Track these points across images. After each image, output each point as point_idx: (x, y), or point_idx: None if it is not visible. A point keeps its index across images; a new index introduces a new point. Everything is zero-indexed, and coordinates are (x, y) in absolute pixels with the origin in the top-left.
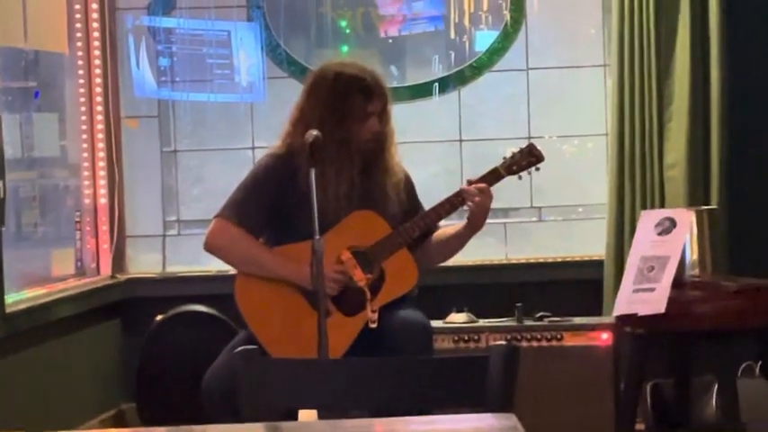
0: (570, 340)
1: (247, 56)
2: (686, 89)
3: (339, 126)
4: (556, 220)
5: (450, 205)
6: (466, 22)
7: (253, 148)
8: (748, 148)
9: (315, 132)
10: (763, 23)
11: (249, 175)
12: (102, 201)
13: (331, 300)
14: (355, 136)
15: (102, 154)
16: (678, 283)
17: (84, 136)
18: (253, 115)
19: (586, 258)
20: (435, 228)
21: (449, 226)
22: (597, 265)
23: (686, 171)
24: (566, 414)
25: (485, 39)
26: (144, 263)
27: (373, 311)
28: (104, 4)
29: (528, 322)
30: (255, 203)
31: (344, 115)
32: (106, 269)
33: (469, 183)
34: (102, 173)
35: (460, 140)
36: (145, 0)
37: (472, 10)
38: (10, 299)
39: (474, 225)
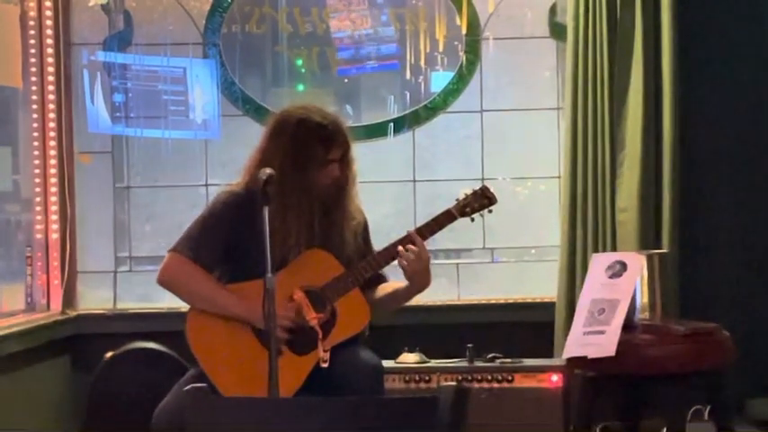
0: (521, 382)
1: (202, 93)
2: (639, 134)
3: (300, 173)
4: (508, 261)
5: (402, 245)
6: (421, 62)
7: (206, 186)
8: (699, 193)
9: (268, 170)
10: (717, 69)
11: (206, 211)
12: (54, 236)
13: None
14: (316, 182)
15: (54, 189)
16: (628, 326)
17: (37, 171)
18: (207, 152)
19: (538, 300)
20: (384, 278)
21: (396, 281)
22: (549, 307)
23: (638, 215)
24: None
25: (440, 80)
26: (95, 299)
27: (325, 351)
28: (59, 38)
29: (479, 363)
30: (211, 239)
31: (305, 162)
32: (56, 305)
33: (403, 241)
34: (54, 208)
35: (414, 181)
36: (100, 36)
37: (428, 51)
38: None
39: (412, 285)
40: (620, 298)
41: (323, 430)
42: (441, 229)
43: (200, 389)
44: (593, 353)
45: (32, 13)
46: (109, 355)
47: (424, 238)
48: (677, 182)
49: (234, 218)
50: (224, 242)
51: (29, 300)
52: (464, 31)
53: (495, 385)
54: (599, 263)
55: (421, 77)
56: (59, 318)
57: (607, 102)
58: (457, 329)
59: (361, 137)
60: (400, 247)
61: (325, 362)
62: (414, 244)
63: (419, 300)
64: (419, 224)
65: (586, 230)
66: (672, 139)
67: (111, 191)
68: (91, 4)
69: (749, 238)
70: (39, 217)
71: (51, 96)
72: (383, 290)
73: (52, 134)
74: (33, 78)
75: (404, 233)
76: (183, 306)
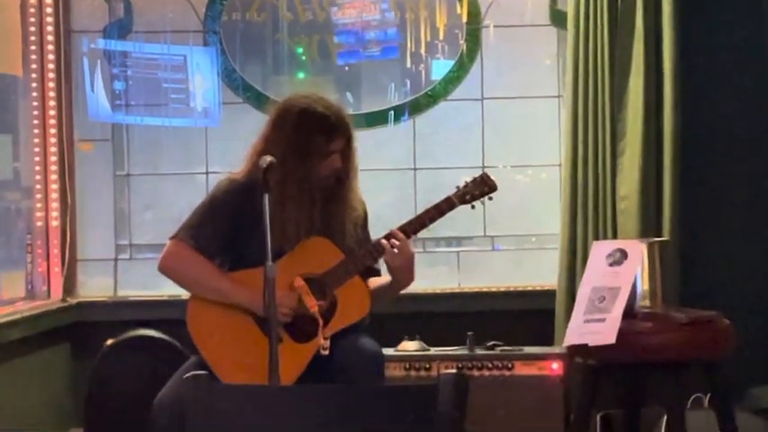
0: (521, 370)
1: (203, 81)
2: (639, 122)
3: (301, 163)
4: (509, 249)
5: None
6: (422, 50)
7: (207, 174)
8: (700, 181)
9: (269, 158)
10: (717, 58)
11: (208, 198)
12: (54, 224)
13: (283, 326)
14: (316, 172)
15: (54, 177)
16: (629, 314)
17: (37, 158)
18: (207, 140)
19: (538, 288)
20: (377, 272)
21: (383, 276)
22: (549, 294)
23: (638, 203)
24: None
25: (440, 68)
26: (95, 287)
27: (325, 338)
28: (60, 26)
29: (479, 351)
30: (212, 227)
31: (306, 152)
32: (57, 292)
33: (388, 237)
34: (54, 196)
35: (414, 169)
36: (100, 23)
37: (428, 39)
38: None
39: (395, 282)
40: (621, 286)
41: (323, 418)
42: (441, 216)
43: (201, 376)
44: (593, 341)
45: (32, 1)
46: (109, 342)
47: (424, 225)
48: (678, 170)
49: (235, 206)
50: (225, 230)
51: (29, 287)
52: (464, 19)
53: (496, 373)
54: (599, 251)
55: (421, 65)
56: (60, 305)
57: (608, 89)
58: (457, 317)
59: (361, 125)
60: (384, 241)
61: (325, 349)
62: (397, 240)
63: (419, 288)
64: (419, 212)
65: (587, 218)
66: (673, 126)
67: (111, 179)
68: None
69: (750, 226)
70: (39, 205)
71: (51, 84)
72: (372, 283)
73: (52, 122)
74: (33, 66)
75: (404, 221)
76: (183, 294)
